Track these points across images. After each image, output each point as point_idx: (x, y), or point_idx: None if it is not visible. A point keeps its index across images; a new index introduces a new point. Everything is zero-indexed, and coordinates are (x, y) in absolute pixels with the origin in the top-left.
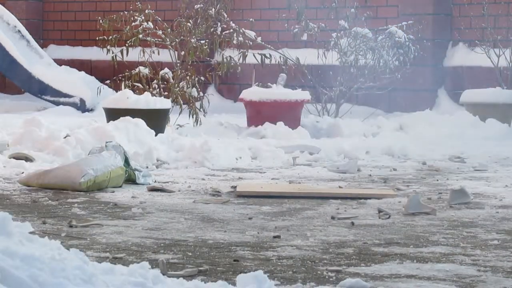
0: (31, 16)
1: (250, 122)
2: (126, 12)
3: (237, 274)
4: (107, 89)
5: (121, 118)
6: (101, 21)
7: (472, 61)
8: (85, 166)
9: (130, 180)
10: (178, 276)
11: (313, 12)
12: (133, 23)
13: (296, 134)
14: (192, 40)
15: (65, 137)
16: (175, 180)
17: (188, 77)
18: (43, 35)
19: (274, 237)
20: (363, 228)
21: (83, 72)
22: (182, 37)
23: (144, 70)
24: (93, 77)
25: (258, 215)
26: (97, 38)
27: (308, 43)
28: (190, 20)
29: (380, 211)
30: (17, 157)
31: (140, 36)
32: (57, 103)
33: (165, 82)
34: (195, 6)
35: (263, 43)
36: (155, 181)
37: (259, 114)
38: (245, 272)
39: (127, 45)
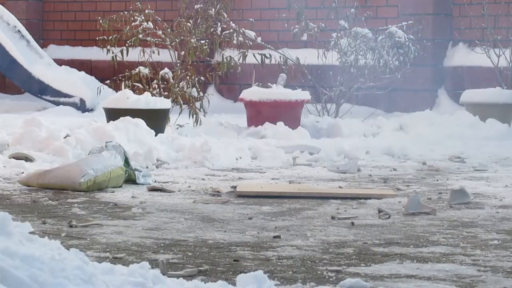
0: (31, 16)
1: (250, 122)
2: (126, 12)
3: (237, 274)
4: (107, 89)
5: (121, 118)
6: (101, 21)
7: (472, 61)
8: (85, 166)
9: (130, 180)
10: (178, 276)
11: (313, 12)
12: (133, 23)
13: (296, 134)
14: (192, 40)
15: (65, 137)
16: (175, 180)
17: (188, 77)
18: (43, 35)
19: (274, 237)
20: (363, 228)
21: (83, 72)
22: (182, 37)
23: (144, 70)
24: (93, 77)
25: (258, 215)
26: (97, 38)
27: (308, 43)
28: (190, 20)
29: (380, 211)
30: (17, 157)
31: (140, 36)
32: (57, 103)
33: (165, 82)
34: (195, 6)
35: (263, 43)
36: (155, 181)
37: (259, 114)
38: (245, 272)
39: (127, 45)
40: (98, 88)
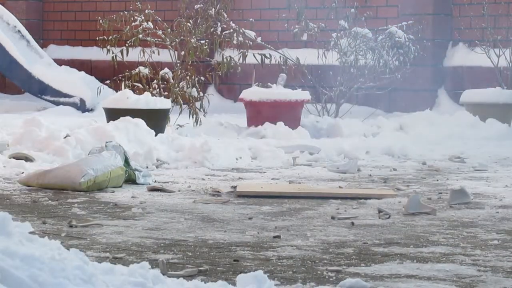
0: (31, 16)
1: (250, 122)
2: (126, 12)
3: (237, 274)
4: (107, 89)
5: (121, 118)
6: (101, 21)
7: (472, 61)
8: (85, 166)
9: (130, 180)
10: (178, 276)
11: (313, 12)
12: (133, 23)
13: (296, 134)
14: (192, 40)
15: (65, 137)
16: (175, 180)
17: (188, 77)
18: (43, 35)
19: (274, 237)
20: (363, 228)
21: (83, 72)
22: (182, 37)
23: (144, 70)
24: (93, 77)
25: (258, 215)
26: (97, 38)
27: (308, 43)
28: (190, 20)
29: (380, 211)
30: (17, 157)
31: (140, 36)
32: (57, 103)
33: (165, 82)
34: (195, 6)
35: (263, 43)
36: (155, 181)
37: (259, 114)
38: (245, 272)
39: (127, 45)
40: (98, 88)
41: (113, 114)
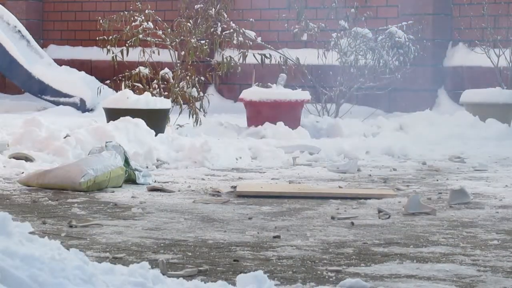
0: (31, 16)
1: (250, 122)
2: (126, 12)
3: (237, 274)
4: (107, 89)
5: (121, 118)
6: (101, 21)
7: (472, 61)
8: (85, 166)
9: (130, 180)
10: (178, 276)
11: (313, 12)
12: (133, 23)
13: (296, 134)
14: (192, 40)
15: (65, 137)
16: (175, 180)
17: (188, 77)
18: (43, 35)
19: (274, 237)
20: (363, 228)
21: (83, 72)
22: (182, 37)
23: (144, 70)
24: (93, 77)
25: (258, 215)
26: (97, 38)
27: (308, 43)
28: (190, 20)
29: (380, 211)
30: (17, 157)
31: (140, 36)
32: (57, 103)
33: (165, 82)
34: (195, 6)
35: (263, 43)
36: (155, 181)
37: (259, 114)
38: (245, 272)
39: (127, 45)
40: (98, 88)
41: (113, 114)
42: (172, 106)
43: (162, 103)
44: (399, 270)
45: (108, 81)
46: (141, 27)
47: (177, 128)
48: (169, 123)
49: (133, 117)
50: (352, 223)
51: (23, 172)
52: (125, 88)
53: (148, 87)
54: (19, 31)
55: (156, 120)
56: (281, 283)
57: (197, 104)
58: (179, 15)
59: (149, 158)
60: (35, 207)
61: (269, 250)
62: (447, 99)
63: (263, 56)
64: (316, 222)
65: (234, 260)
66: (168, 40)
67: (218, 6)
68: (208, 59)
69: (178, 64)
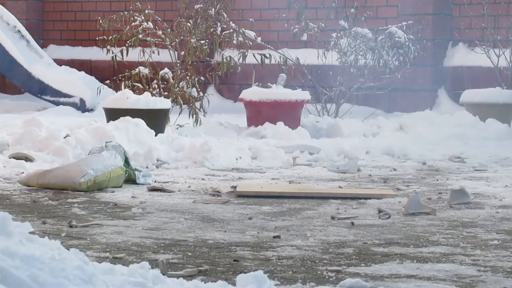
0: (31, 16)
1: (250, 122)
2: (126, 12)
3: (237, 274)
4: (107, 89)
5: (121, 118)
6: (101, 21)
7: (472, 61)
8: (85, 166)
9: (130, 180)
10: (178, 276)
11: (313, 12)
12: (133, 23)
13: (296, 134)
14: (192, 40)
15: (65, 137)
16: (175, 180)
17: (188, 77)
18: (43, 35)
19: (274, 237)
20: (363, 228)
21: (83, 72)
22: (182, 37)
23: (144, 70)
24: (93, 77)
25: (258, 215)
26: (97, 38)
27: (308, 43)
28: (190, 20)
29: (380, 211)
30: (17, 157)
31: (140, 36)
32: (57, 103)
33: (165, 82)
34: (195, 6)
35: (263, 43)
36: (155, 181)
37: (259, 114)
38: (245, 272)
39: (127, 45)
40: (98, 88)
41: (113, 114)
42: (172, 106)
43: (162, 103)
44: (399, 270)
45: (108, 81)
46: (141, 27)
47: (177, 128)
48: (169, 123)
49: (133, 117)
50: (352, 223)
51: (23, 172)
52: (125, 88)
53: (148, 87)
54: (19, 31)
55: (156, 120)
56: (281, 283)
57: (197, 104)
58: (179, 15)
59: (149, 158)
60: (35, 207)
61: (269, 250)
62: (447, 99)
63: (263, 56)
64: (316, 222)
65: (234, 260)
66: (168, 40)
67: (218, 6)
68: (208, 59)
69: (178, 64)
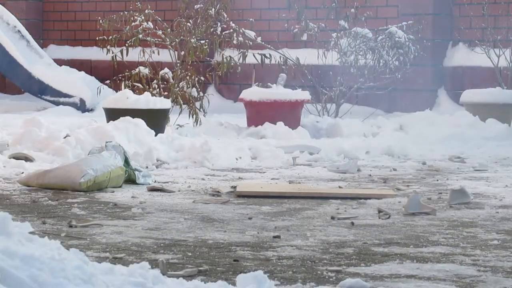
0: (31, 16)
1: (250, 122)
2: (126, 12)
3: (237, 274)
4: (107, 89)
5: (121, 118)
6: (101, 21)
7: (472, 61)
8: (85, 166)
9: (130, 180)
10: (178, 276)
11: (313, 12)
12: (133, 23)
13: (296, 134)
14: (192, 40)
15: (65, 137)
16: (175, 180)
17: (188, 77)
18: (43, 35)
19: (274, 237)
20: (363, 228)
21: (83, 72)
22: (182, 37)
23: (144, 70)
24: (93, 77)
25: (258, 215)
26: (97, 38)
27: (308, 43)
28: (190, 20)
29: (380, 211)
30: (17, 157)
31: (140, 36)
32: (57, 103)
33: (165, 82)
34: (195, 6)
35: (263, 43)
36: (155, 181)
37: (259, 114)
38: (245, 272)
39: (127, 45)
40: (98, 88)
41: (113, 114)
42: (172, 106)
43: (162, 103)
44: (399, 270)
45: (108, 81)
46: (141, 27)
47: (177, 128)
48: (169, 123)
49: (133, 117)
50: (352, 223)
51: (23, 172)
52: (125, 88)
53: (148, 87)
54: (19, 31)
55: (156, 120)
56: (281, 283)
57: (197, 104)
58: (179, 15)
59: (149, 158)
60: (35, 207)
61: (269, 250)
62: (447, 99)
63: (263, 56)
64: (316, 222)
65: (234, 260)
66: (168, 40)
67: (218, 6)
68: (208, 59)
69: (178, 64)
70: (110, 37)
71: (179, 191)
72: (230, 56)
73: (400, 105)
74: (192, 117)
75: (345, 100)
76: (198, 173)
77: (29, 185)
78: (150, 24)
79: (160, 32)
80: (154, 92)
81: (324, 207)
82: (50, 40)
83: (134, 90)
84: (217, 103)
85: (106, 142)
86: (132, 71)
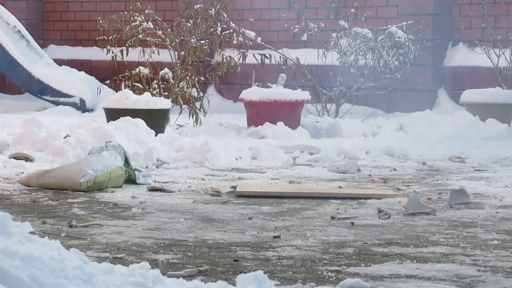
0: (31, 16)
1: (250, 122)
2: (126, 12)
3: (237, 274)
4: (107, 89)
5: (121, 118)
6: (101, 21)
7: (472, 61)
8: (85, 166)
9: (130, 180)
10: (178, 276)
11: (313, 12)
12: (133, 23)
13: (296, 134)
14: (192, 40)
15: (65, 137)
16: (175, 180)
17: (188, 77)
18: (43, 35)
19: (274, 237)
20: (363, 228)
21: (83, 72)
22: (182, 37)
23: (144, 70)
24: (93, 77)
25: (258, 215)
26: (97, 38)
27: (308, 43)
28: (190, 20)
29: (380, 211)
30: (17, 157)
31: (140, 36)
32: (57, 103)
33: (165, 82)
34: (195, 6)
35: (263, 43)
36: (155, 181)
37: (259, 114)
38: (245, 272)
39: (127, 45)
40: (98, 88)
41: (113, 114)
42: (172, 106)
43: (162, 103)
44: (399, 270)
45: (108, 81)
46: (141, 27)
47: (177, 128)
48: (169, 123)
49: (133, 117)
50: (352, 223)
51: (23, 172)
52: (125, 88)
53: (148, 87)
54: (19, 31)
55: (156, 120)
56: (281, 283)
57: (197, 104)
58: (179, 15)
59: (149, 158)
60: (35, 207)
61: (269, 250)
62: (447, 99)
63: (263, 56)
64: (316, 222)
65: (234, 260)
66: (168, 40)
67: (218, 6)
68: (208, 59)
69: (178, 64)
70: (110, 37)
71: (179, 191)
72: (230, 56)
73: (400, 105)
74: (192, 117)
75: (345, 100)
76: (198, 173)
77: (29, 185)
78: (150, 24)
79: (160, 32)
80: (154, 92)
81: (324, 207)
82: (50, 40)
83: (134, 90)
84: (217, 103)
85: (106, 142)
86: (132, 71)
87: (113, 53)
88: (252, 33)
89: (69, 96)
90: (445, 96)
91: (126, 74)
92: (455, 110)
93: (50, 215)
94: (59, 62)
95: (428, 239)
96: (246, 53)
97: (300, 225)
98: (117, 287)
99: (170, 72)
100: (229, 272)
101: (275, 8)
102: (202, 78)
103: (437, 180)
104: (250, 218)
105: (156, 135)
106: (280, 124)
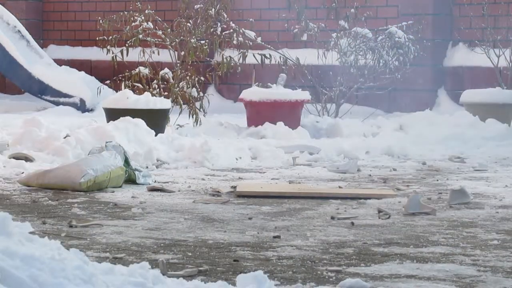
0: (31, 16)
1: (250, 122)
2: (126, 12)
3: (237, 274)
4: (107, 89)
5: (121, 118)
6: (101, 21)
7: (472, 61)
8: (85, 166)
9: (130, 180)
10: (178, 276)
11: (313, 12)
12: (133, 23)
13: (296, 134)
14: (192, 40)
15: (65, 137)
16: (175, 180)
17: (188, 77)
18: (43, 35)
19: (274, 237)
20: (363, 228)
21: (83, 72)
22: (182, 37)
23: (144, 70)
24: (93, 77)
25: (258, 215)
26: (97, 38)
27: (308, 43)
28: (190, 20)
29: (380, 211)
30: (17, 157)
31: (140, 36)
32: (57, 103)
33: (165, 82)
34: (195, 6)
35: (263, 43)
36: (155, 181)
37: (259, 114)
38: (245, 272)
39: (127, 45)
40: (98, 88)
41: (113, 114)
42: (172, 106)
43: (162, 103)
44: (399, 270)
45: (108, 81)
46: (141, 27)
47: (177, 128)
48: (169, 123)
49: (133, 117)
50: (352, 223)
51: (23, 172)
52: (125, 88)
53: (148, 87)
54: (19, 31)
55: (156, 120)
56: (281, 283)
57: (197, 104)
58: (179, 15)
59: (149, 158)
60: (35, 207)
61: (269, 250)
62: (447, 99)
63: (263, 56)
64: (316, 222)
65: (234, 260)
66: (168, 40)
67: (218, 6)
68: (208, 59)
69: (178, 64)
70: (110, 37)
71: (179, 191)
72: (230, 56)
73: (400, 105)
74: (192, 117)
75: (345, 100)
76: (198, 173)
77: (29, 185)
78: (150, 24)
79: (160, 32)
80: (154, 92)
81: (324, 207)
82: (50, 40)
83: (134, 90)
84: (217, 103)
85: (106, 142)
86: (132, 71)
87: (113, 53)
88: (252, 33)
89: (69, 96)
90: (445, 96)
91: (126, 74)
92: (455, 110)
93: (50, 215)
94: (59, 62)
95: (428, 239)
96: (246, 53)
97: (300, 225)
98: (117, 287)
99: (170, 72)
100: (229, 272)
101: (275, 8)
102: (202, 78)
103: (437, 180)
104: (250, 218)
105: (156, 135)
106: (280, 124)
